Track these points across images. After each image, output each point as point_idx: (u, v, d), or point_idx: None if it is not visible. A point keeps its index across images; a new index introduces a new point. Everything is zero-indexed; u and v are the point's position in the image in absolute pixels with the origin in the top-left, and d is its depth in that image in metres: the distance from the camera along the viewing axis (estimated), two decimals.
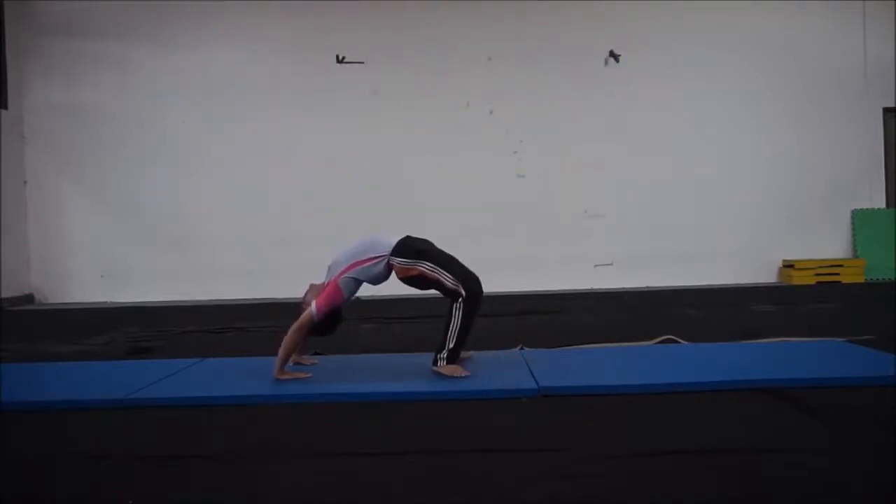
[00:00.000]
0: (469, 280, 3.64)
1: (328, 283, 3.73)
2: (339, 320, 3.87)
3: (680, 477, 2.28)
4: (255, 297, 8.53)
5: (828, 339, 4.50)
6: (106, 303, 8.76)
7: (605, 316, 6.28)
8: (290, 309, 7.31)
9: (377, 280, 3.77)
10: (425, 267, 3.65)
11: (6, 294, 8.39)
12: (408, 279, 3.73)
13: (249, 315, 6.99)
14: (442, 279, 3.64)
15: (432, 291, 3.80)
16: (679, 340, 4.59)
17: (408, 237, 3.79)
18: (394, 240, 3.74)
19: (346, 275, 3.69)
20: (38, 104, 8.99)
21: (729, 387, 3.34)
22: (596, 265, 8.99)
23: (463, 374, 3.62)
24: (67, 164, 8.98)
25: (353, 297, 3.77)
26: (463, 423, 2.95)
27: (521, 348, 4.38)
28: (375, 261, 3.70)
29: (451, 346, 3.64)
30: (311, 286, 3.93)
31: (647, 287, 8.73)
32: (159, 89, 8.92)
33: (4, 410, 3.25)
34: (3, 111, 8.66)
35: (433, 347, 3.74)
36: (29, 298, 8.90)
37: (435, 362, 3.69)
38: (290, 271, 8.66)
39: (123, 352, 4.95)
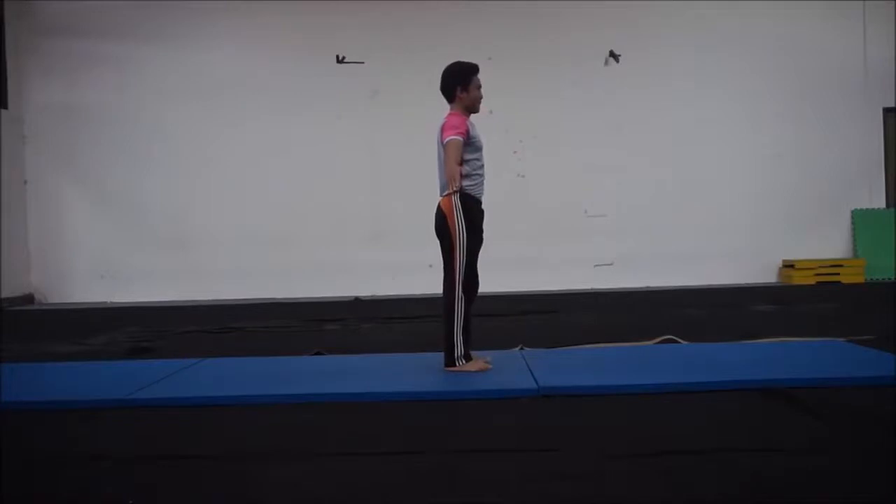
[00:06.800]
0: (463, 279, 3.71)
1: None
2: None
3: (680, 477, 2.28)
4: (255, 297, 8.53)
5: (828, 339, 4.50)
6: (106, 303, 8.75)
7: (605, 316, 6.27)
8: (291, 309, 7.40)
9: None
10: (461, 229, 3.73)
11: (6, 294, 8.37)
12: (443, 216, 3.83)
13: (249, 315, 6.99)
14: (455, 250, 3.72)
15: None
16: (679, 340, 4.58)
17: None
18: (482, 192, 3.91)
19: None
20: (38, 104, 8.98)
21: (729, 387, 3.34)
22: (596, 265, 8.98)
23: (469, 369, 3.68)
24: (67, 164, 8.97)
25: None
26: (463, 423, 2.95)
27: (521, 348, 4.38)
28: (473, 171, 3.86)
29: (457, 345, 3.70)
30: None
31: (647, 287, 8.73)
32: (159, 89, 8.90)
33: (4, 410, 3.25)
34: (3, 111, 8.64)
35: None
36: (29, 298, 8.90)
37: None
38: (290, 271, 8.75)
39: (123, 352, 4.95)
